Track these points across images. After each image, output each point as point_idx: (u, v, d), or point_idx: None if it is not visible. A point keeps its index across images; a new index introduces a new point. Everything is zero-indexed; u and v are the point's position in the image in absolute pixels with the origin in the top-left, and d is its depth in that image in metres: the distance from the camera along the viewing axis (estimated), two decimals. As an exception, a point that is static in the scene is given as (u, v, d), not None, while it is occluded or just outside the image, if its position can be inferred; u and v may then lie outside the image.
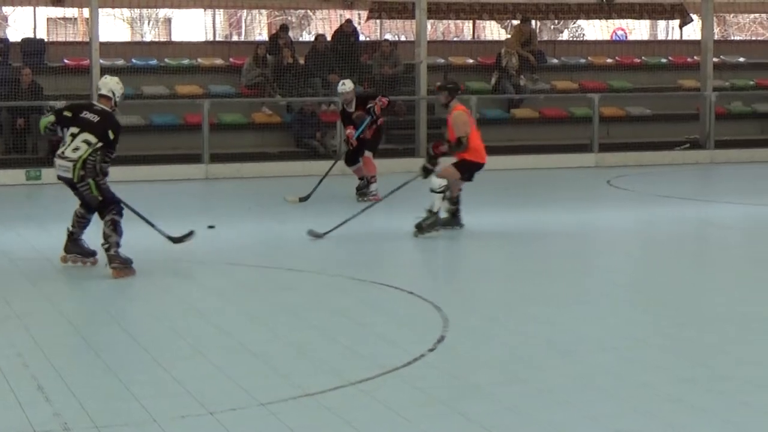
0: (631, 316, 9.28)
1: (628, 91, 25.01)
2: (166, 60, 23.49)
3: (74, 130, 10.75)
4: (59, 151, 10.81)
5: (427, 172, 12.92)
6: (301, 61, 23.02)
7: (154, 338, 8.31)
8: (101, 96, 11.13)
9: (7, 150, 20.49)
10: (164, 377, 7.18)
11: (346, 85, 16.44)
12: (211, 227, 13.61)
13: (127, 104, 21.37)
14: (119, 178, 19.26)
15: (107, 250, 10.61)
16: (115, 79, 11.34)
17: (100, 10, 21.56)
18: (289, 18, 35.44)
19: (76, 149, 10.63)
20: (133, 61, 23.19)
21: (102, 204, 10.74)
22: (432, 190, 12.76)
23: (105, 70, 20.86)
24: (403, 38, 31.64)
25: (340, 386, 6.92)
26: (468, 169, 12.99)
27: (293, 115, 21.94)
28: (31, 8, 25.43)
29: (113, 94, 11.10)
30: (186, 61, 23.49)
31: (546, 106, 24.27)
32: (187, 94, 22.34)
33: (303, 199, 16.20)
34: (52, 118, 11.03)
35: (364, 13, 26.02)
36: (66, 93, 20.88)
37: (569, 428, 6.24)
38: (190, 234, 11.78)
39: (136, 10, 36.01)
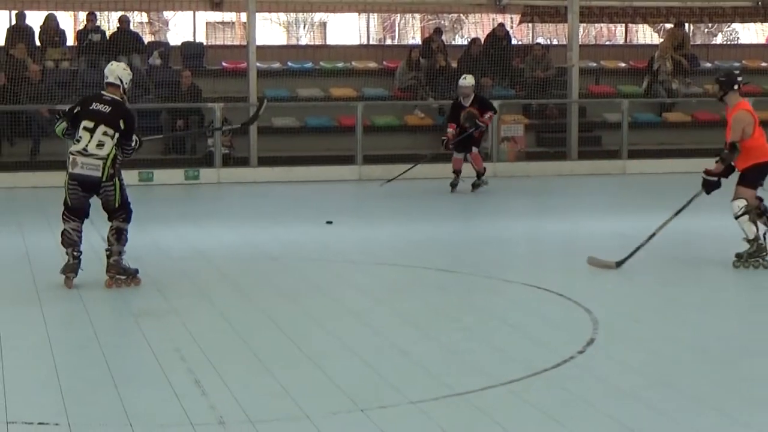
0: (784, 323, 9.13)
1: (785, 95, 24.50)
2: (321, 63, 23.82)
3: (88, 123, 9.86)
4: (78, 148, 9.82)
5: (708, 186, 11.32)
6: (454, 65, 23.12)
7: (306, 336, 8.41)
8: (109, 84, 10.07)
9: (166, 150, 20.98)
10: (316, 374, 7.29)
11: (467, 80, 17.87)
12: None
13: (282, 106, 21.81)
14: (275, 179, 19.81)
15: (108, 257, 10.09)
16: (122, 65, 10.36)
17: (257, 14, 21.96)
18: (442, 22, 35.46)
19: (100, 145, 9.81)
20: (289, 64, 23.57)
21: (115, 208, 10.04)
22: (735, 217, 11.32)
23: (262, 73, 21.31)
24: (555, 42, 31.43)
25: (489, 386, 6.95)
26: (759, 174, 11.40)
27: (446, 117, 21.98)
28: (191, 13, 25.97)
29: (121, 81, 10.06)
30: (340, 64, 23.79)
31: (699, 110, 23.93)
32: (341, 97, 22.61)
33: (387, 181, 18.45)
34: (64, 123, 10.08)
35: (517, 17, 26.00)
36: (224, 95, 21.35)
37: (718, 434, 6.19)
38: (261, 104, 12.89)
39: (292, 14, 36.48)
